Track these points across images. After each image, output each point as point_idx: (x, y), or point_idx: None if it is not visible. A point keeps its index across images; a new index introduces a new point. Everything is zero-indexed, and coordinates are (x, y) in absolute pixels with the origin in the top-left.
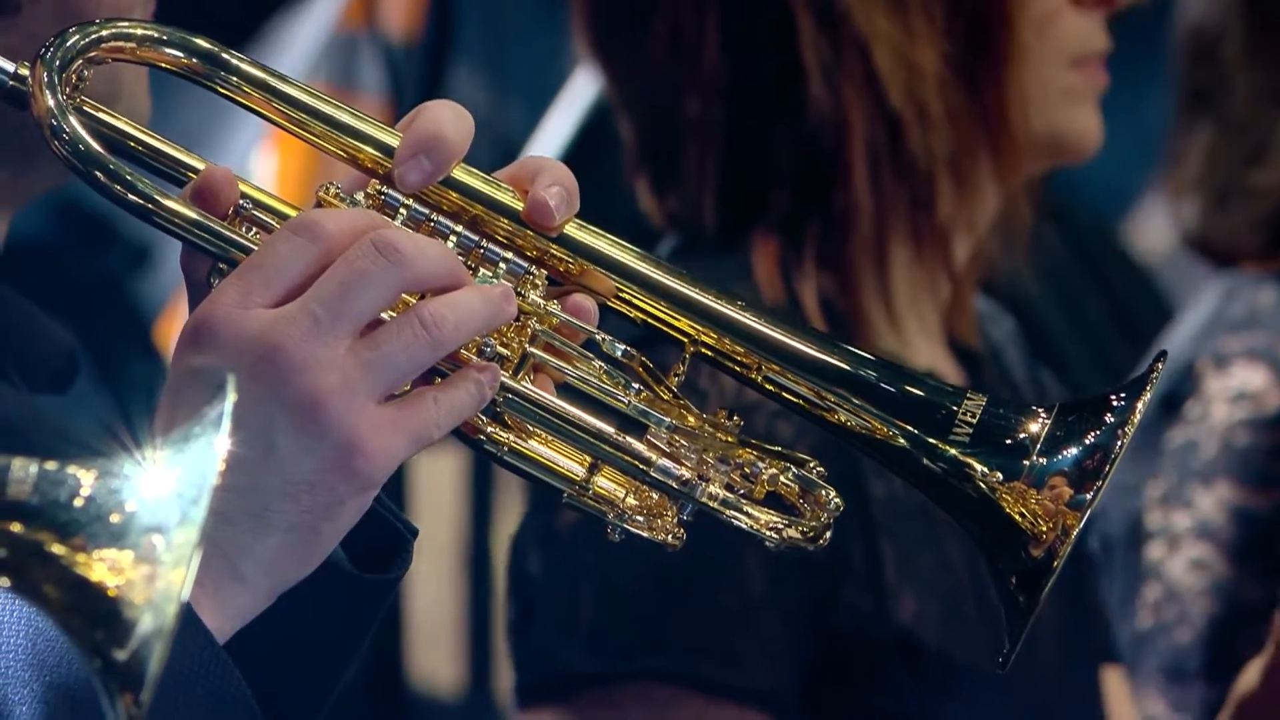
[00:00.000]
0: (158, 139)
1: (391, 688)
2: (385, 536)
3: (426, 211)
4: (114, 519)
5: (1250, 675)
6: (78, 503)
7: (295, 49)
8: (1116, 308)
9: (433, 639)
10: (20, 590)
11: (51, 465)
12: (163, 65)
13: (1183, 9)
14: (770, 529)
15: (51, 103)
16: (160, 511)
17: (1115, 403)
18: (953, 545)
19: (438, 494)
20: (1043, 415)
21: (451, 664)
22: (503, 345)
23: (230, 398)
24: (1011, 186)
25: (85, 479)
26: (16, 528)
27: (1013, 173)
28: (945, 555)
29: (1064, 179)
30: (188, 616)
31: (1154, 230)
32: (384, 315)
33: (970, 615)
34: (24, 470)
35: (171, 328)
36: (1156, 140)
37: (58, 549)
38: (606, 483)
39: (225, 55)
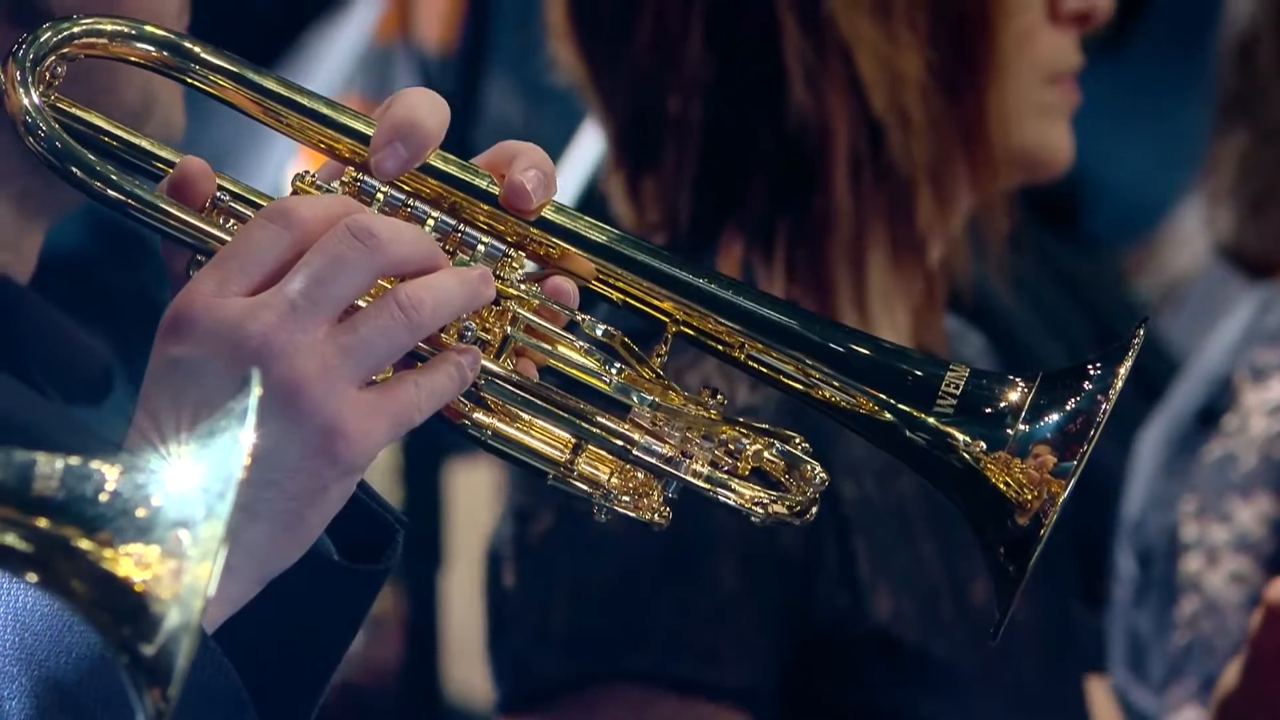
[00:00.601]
0: (132, 133)
1: (428, 699)
2: (374, 528)
3: (403, 197)
4: (140, 514)
5: (1230, 674)
6: (103, 498)
7: (330, 60)
8: (1095, 323)
9: (468, 651)
10: (47, 586)
11: (77, 461)
12: (134, 60)
13: (1228, 14)
14: (756, 504)
15: (25, 100)
16: (186, 506)
17: (1097, 370)
18: (928, 543)
19: (472, 506)
20: (1024, 385)
21: (487, 675)
22: (483, 329)
23: (255, 392)
24: (987, 197)
25: (110, 474)
26: (43, 523)
27: (989, 184)
28: (920, 552)
29: (1094, 184)
30: None
31: (1187, 240)
32: (362, 301)
33: (947, 611)
34: (50, 466)
35: None
36: (1192, 149)
37: (84, 544)
38: (591, 463)
39: (195, 48)
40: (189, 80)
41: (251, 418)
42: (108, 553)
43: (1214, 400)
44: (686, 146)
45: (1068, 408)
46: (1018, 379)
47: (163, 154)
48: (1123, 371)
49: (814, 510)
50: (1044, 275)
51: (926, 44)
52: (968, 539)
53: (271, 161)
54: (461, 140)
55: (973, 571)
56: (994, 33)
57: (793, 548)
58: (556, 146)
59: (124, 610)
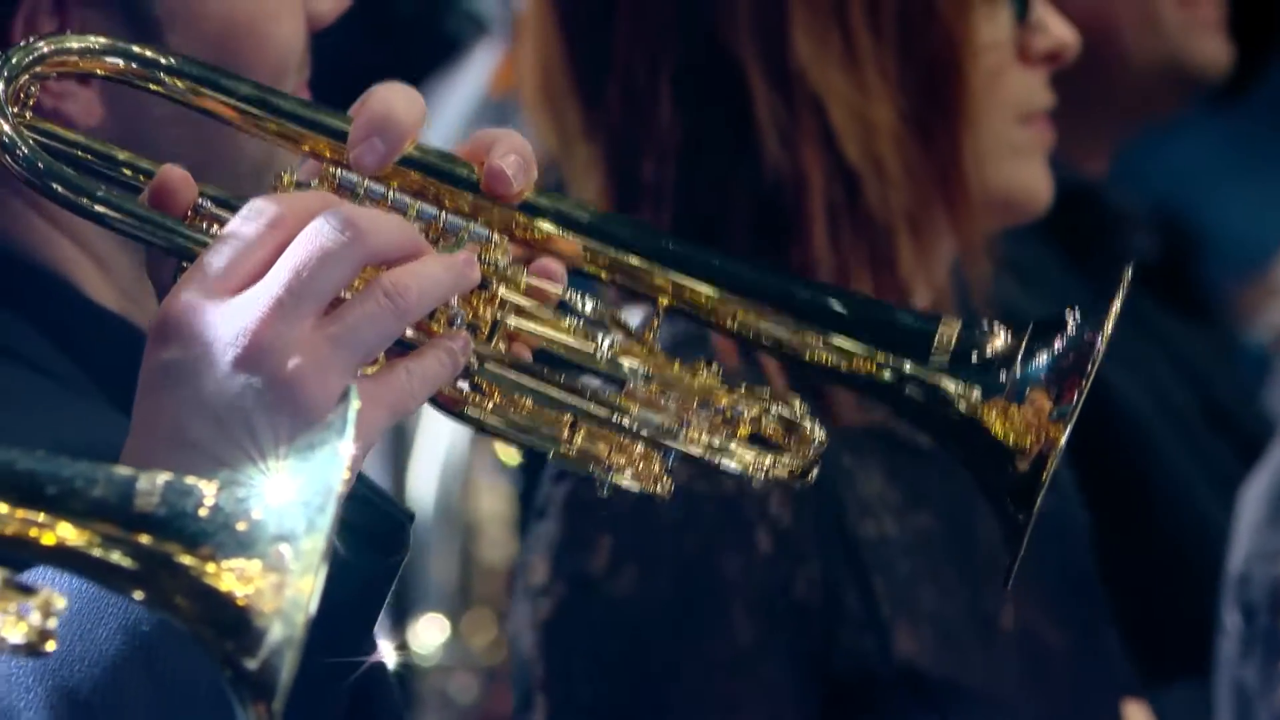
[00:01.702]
0: (109, 146)
1: None
2: (381, 523)
3: (383, 190)
4: (241, 528)
5: None
6: (204, 513)
7: (447, 113)
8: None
9: None
10: (152, 602)
11: (176, 477)
12: (105, 74)
13: None
14: (756, 468)
15: (3, 123)
16: (287, 520)
17: (1088, 316)
18: (949, 574)
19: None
20: (1016, 333)
21: None
22: (473, 314)
23: (354, 404)
24: (969, 244)
25: (210, 489)
26: (145, 539)
27: (969, 229)
28: (943, 584)
29: (1207, 236)
30: None
31: None
32: (347, 294)
33: (971, 642)
34: (150, 483)
35: None
36: None
37: (186, 559)
38: (589, 439)
39: (164, 59)
40: (161, 91)
41: (350, 430)
42: (210, 568)
43: None
44: (662, 209)
45: (1059, 351)
46: (1010, 327)
47: (142, 164)
48: (1112, 314)
49: (815, 472)
50: (1147, 345)
51: (897, 90)
52: (992, 565)
53: None
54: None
55: (998, 598)
56: (963, 74)
57: (810, 592)
58: None
59: (227, 625)
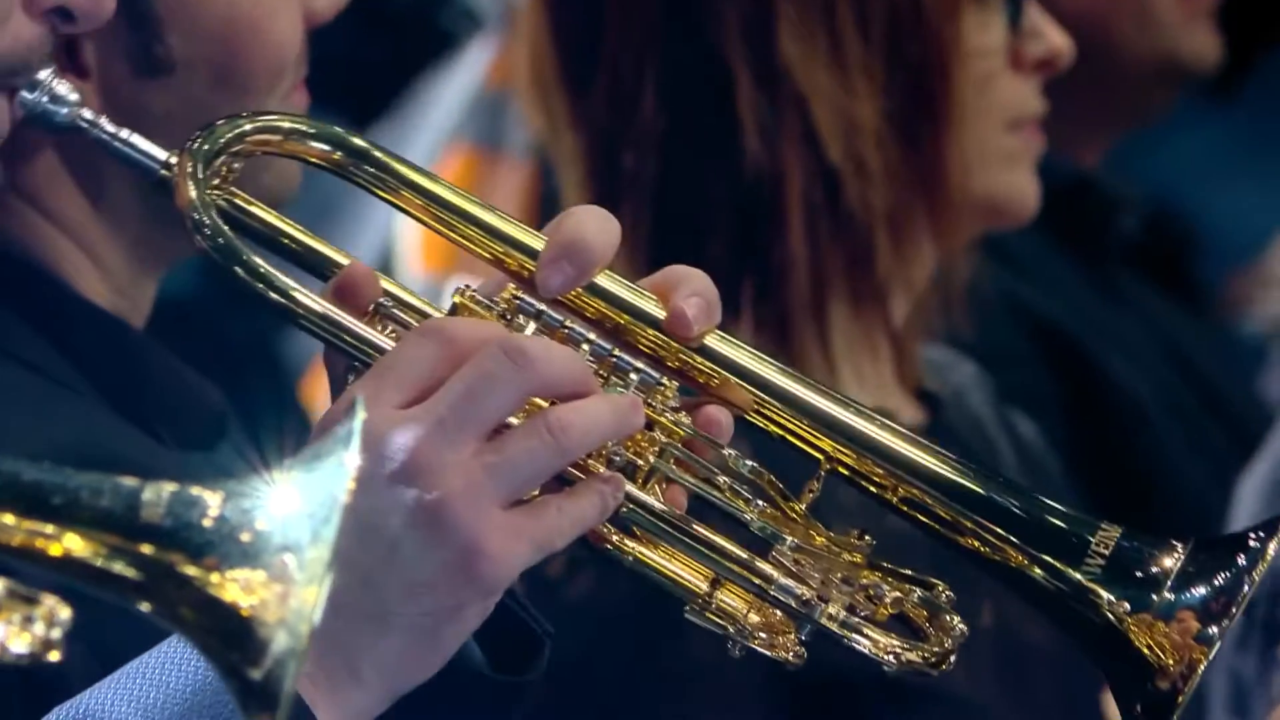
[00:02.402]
0: (303, 232)
1: None
2: (522, 638)
3: (560, 318)
4: (245, 538)
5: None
6: (208, 523)
7: (441, 107)
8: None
9: None
10: (157, 613)
11: (181, 487)
12: (310, 159)
13: None
14: (889, 653)
15: (194, 195)
16: (291, 530)
17: (1251, 542)
18: (923, 573)
19: None
20: (1177, 550)
21: None
22: (632, 454)
23: (360, 415)
24: (950, 247)
25: (215, 500)
26: (150, 550)
27: (950, 232)
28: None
29: (1202, 229)
30: (303, 715)
31: None
32: (512, 421)
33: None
34: (155, 494)
35: (316, 385)
36: None
37: (191, 570)
38: (729, 598)
39: (374, 153)
40: (362, 182)
41: (356, 441)
42: (214, 578)
43: None
44: (642, 201)
45: (1216, 578)
46: (1169, 542)
47: (332, 255)
48: (1273, 547)
49: (951, 660)
50: (1146, 335)
51: (882, 92)
52: (970, 569)
53: (377, 217)
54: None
55: (979, 597)
56: (951, 80)
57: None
58: None
59: (231, 635)
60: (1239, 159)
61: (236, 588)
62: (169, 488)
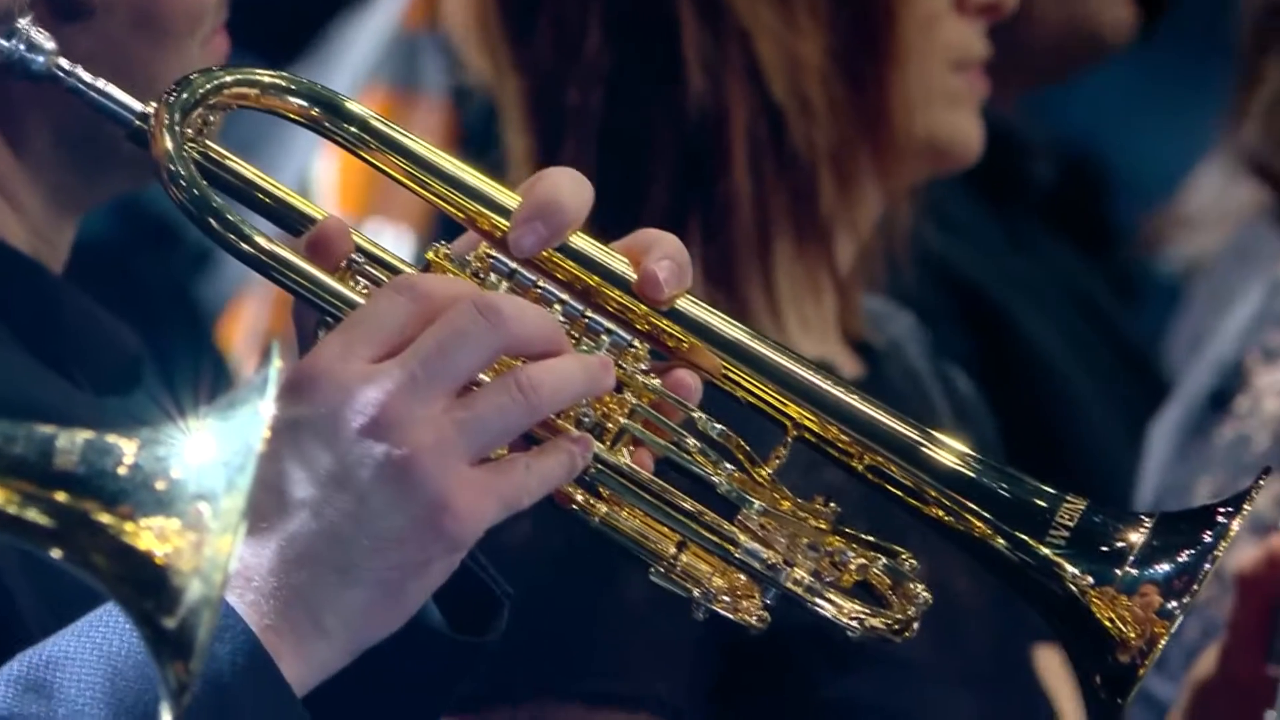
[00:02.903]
0: (278, 186)
1: None
2: (481, 598)
3: (533, 278)
4: (160, 486)
5: (1206, 662)
6: (123, 471)
7: (357, 49)
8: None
9: None
10: (70, 560)
11: (96, 435)
12: (286, 114)
13: None
14: (854, 619)
15: (170, 146)
16: (206, 478)
17: (1218, 518)
18: (859, 529)
19: None
20: (1143, 524)
21: None
22: (601, 416)
23: (275, 364)
24: (893, 189)
25: (130, 447)
26: (63, 497)
27: (894, 174)
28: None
29: (1117, 169)
30: (266, 666)
31: (1206, 212)
32: (483, 378)
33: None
34: (70, 441)
35: (233, 328)
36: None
37: (105, 518)
38: (694, 561)
39: (351, 108)
40: (338, 139)
41: (271, 389)
42: (129, 526)
43: (1226, 383)
44: (586, 138)
45: (1179, 553)
46: (1135, 516)
47: (306, 210)
48: (1237, 523)
49: (914, 628)
50: (1057, 285)
51: (827, 29)
52: (904, 522)
53: (294, 155)
54: (487, 132)
55: (913, 552)
56: (895, 18)
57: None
58: None
59: (145, 583)
60: (1150, 100)
61: (151, 536)
62: (83, 435)
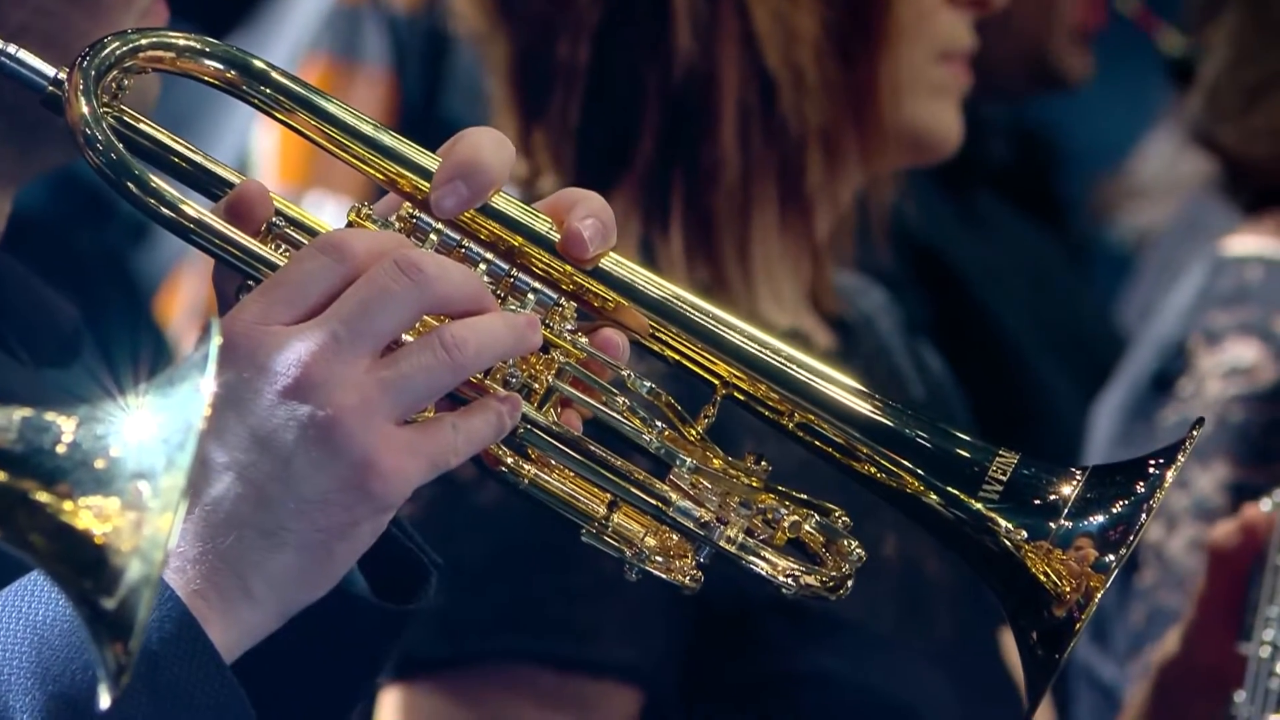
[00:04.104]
0: (195, 151)
1: None
2: (408, 567)
3: (457, 238)
4: (99, 465)
5: (1170, 642)
6: (61, 450)
7: (296, 19)
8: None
9: None
10: (7, 540)
11: (33, 412)
12: (203, 78)
13: None
14: (788, 576)
15: (85, 110)
16: (146, 457)
17: (1150, 469)
18: (832, 502)
19: None
20: (1075, 477)
21: None
22: (528, 377)
23: (215, 340)
24: (875, 172)
25: (68, 425)
26: (1, 476)
27: (877, 157)
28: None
29: (1053, 137)
30: (193, 631)
31: (1153, 183)
32: (407, 339)
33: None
34: (6, 418)
35: (171, 302)
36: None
37: (43, 497)
38: (626, 522)
39: (269, 71)
40: (256, 102)
41: (212, 366)
42: (67, 505)
43: (1168, 365)
44: (572, 91)
45: (1113, 505)
46: (1067, 470)
47: (223, 174)
48: (1172, 474)
49: (849, 585)
50: (1017, 263)
51: (824, 4)
52: (875, 499)
53: (233, 128)
54: (430, 103)
55: (882, 528)
56: (892, 2)
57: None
58: None
59: (84, 563)
60: (1099, 68)
61: (90, 515)
62: (21, 412)
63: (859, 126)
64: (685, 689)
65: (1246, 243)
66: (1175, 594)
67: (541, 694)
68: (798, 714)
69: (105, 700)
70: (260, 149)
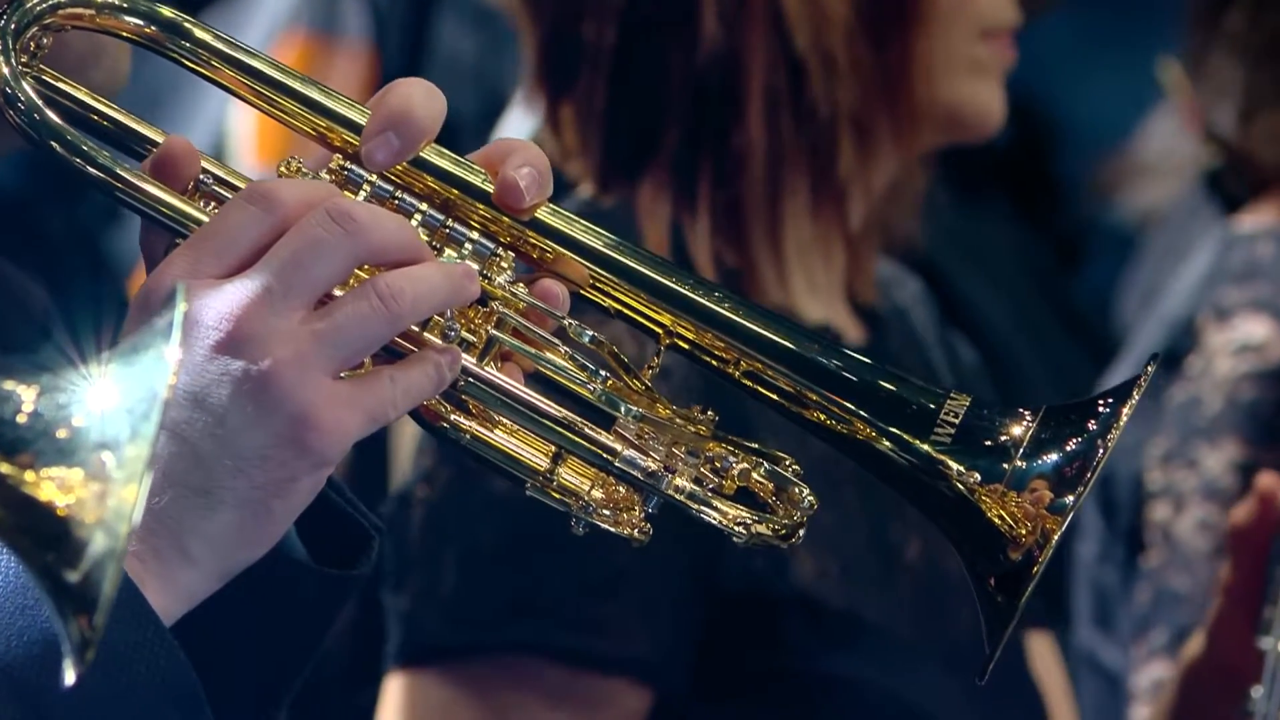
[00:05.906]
0: (117, 110)
1: None
2: (350, 533)
3: (391, 189)
4: (61, 435)
5: (1194, 643)
6: (22, 419)
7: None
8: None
9: None
10: None
11: None
12: (123, 34)
13: None
14: (739, 524)
15: (5, 70)
16: (110, 427)
17: (1102, 407)
18: (852, 502)
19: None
20: (1025, 418)
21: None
22: (467, 329)
23: (180, 306)
24: (909, 155)
25: (29, 394)
26: None
27: (911, 139)
28: (845, 512)
29: (1053, 118)
30: (130, 593)
31: (1156, 163)
32: (339, 292)
33: (876, 573)
34: None
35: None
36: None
37: (4, 468)
38: (571, 474)
39: (189, 26)
40: (180, 58)
41: (177, 334)
42: (29, 476)
43: (1178, 342)
44: (599, 73)
45: (1068, 444)
46: (1021, 411)
47: (147, 133)
48: (1126, 411)
49: (801, 534)
50: (1005, 255)
51: None
52: (897, 499)
53: (208, 108)
54: (410, 76)
55: (907, 533)
56: None
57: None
58: (509, 83)
59: (47, 536)
60: (1098, 48)
61: (52, 486)
62: None
63: (892, 110)
64: (696, 686)
65: (1258, 219)
66: (1182, 575)
67: (550, 689)
68: (811, 714)
69: (70, 676)
70: (236, 130)
